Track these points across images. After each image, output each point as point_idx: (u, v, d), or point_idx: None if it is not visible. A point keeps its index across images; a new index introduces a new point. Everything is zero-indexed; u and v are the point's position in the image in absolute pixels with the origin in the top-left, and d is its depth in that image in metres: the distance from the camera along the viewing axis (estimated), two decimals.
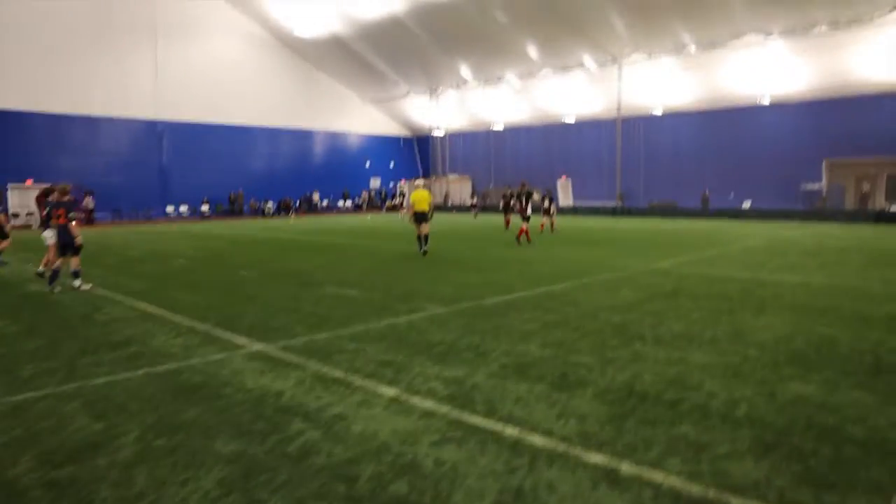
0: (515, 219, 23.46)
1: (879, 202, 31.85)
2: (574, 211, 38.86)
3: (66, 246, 10.82)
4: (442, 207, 47.88)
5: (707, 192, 35.64)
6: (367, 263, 14.59)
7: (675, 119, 38.26)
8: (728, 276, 11.46)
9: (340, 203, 48.32)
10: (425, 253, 15.46)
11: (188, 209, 39.46)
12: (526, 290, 10.10)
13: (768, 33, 30.79)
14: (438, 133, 49.18)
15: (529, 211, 19.23)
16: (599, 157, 40.76)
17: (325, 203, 47.02)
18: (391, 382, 5.46)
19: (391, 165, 52.29)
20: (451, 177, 50.17)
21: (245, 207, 42.11)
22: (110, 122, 37.03)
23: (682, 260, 14.04)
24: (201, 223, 35.02)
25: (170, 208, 38.82)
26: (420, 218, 15.50)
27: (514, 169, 44.32)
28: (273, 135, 45.07)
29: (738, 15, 30.25)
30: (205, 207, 39.83)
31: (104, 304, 9.55)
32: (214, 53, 41.31)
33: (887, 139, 30.94)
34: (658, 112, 37.66)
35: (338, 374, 5.77)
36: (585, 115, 41.29)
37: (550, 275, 11.83)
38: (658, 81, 36.25)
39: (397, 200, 46.72)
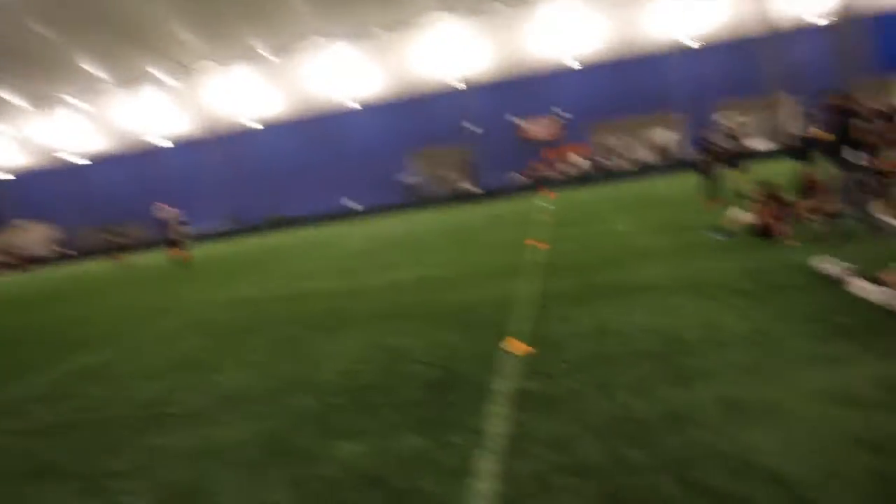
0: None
1: (460, 185, 35.79)
2: None
3: None
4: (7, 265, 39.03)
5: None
6: None
7: (272, 131, 37.47)
8: (317, 291, 10.29)
9: None
10: None
11: None
12: (46, 372, 7.28)
13: (332, 36, 31.75)
14: None
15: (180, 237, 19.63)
16: (203, 180, 37.81)
17: None
18: None
19: None
20: (23, 224, 41.32)
21: None
22: None
23: (272, 281, 12.57)
24: None
25: None
26: None
27: (109, 205, 38.49)
28: None
29: (302, 19, 30.48)
30: None
31: None
32: None
33: (456, 129, 34.81)
34: (253, 125, 36.38)
35: None
36: (178, 135, 37.84)
37: (99, 336, 9.10)
38: (241, 91, 34.89)
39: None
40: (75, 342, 9.06)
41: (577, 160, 35.24)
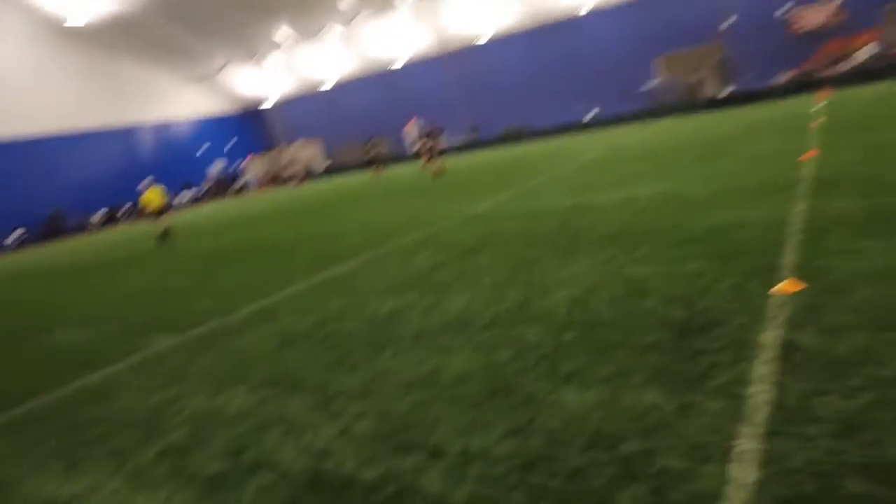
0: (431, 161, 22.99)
1: (711, 89, 32.10)
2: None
3: None
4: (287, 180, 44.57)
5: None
6: (140, 280, 11.93)
7: (506, 43, 36.92)
8: (550, 209, 9.85)
9: (182, 196, 43.88)
10: (164, 239, 16.70)
11: None
12: (302, 282, 7.98)
13: None
14: (273, 100, 45.48)
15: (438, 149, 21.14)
16: (444, 94, 38.97)
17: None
18: None
19: (230, 144, 48.11)
20: (297, 144, 46.78)
21: (69, 224, 37.12)
22: None
23: (506, 196, 12.38)
24: (8, 257, 30.37)
25: None
26: (157, 213, 17.09)
27: (360, 123, 41.80)
28: (85, 139, 39.78)
29: None
30: (17, 235, 34.62)
31: None
32: None
33: (707, 27, 31.00)
34: (487, 38, 36.14)
35: None
36: (416, 54, 39.18)
37: (345, 250, 9.75)
38: (481, 7, 34.61)
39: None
40: (326, 254, 9.84)
41: (865, 51, 29.24)
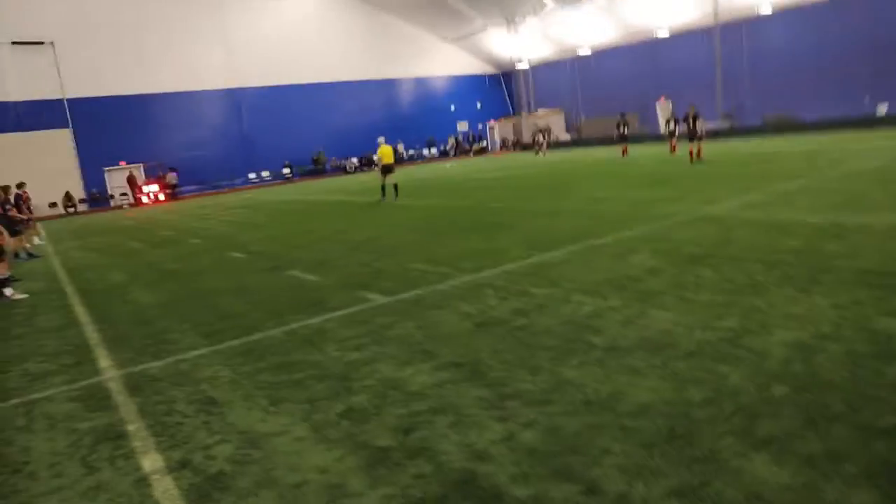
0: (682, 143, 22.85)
1: None
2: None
3: None
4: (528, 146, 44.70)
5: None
6: (366, 232, 12.94)
7: (787, 16, 32.67)
8: (797, 222, 8.65)
9: (426, 152, 46.70)
10: (386, 194, 18.07)
11: (270, 174, 39.64)
12: (513, 262, 8.03)
13: None
14: (522, 66, 45.82)
15: (699, 132, 19.87)
16: (700, 72, 35.93)
17: (409, 153, 45.51)
18: (171, 447, 3.92)
19: (477, 106, 49.73)
20: (541, 111, 46.81)
21: (328, 166, 41.75)
22: (189, 96, 37.52)
23: (750, 198, 11.11)
24: (278, 187, 35.10)
25: (252, 175, 39.13)
26: (387, 170, 18.10)
27: (606, 96, 40.44)
28: (350, 89, 43.91)
29: None
30: (286, 170, 39.83)
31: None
32: (279, 14, 40.53)
33: None
34: (766, 11, 32.25)
35: (131, 427, 4.32)
36: (680, 26, 36.37)
37: (564, 234, 9.57)
38: None
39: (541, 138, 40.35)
40: (542, 235, 9.74)
41: None
